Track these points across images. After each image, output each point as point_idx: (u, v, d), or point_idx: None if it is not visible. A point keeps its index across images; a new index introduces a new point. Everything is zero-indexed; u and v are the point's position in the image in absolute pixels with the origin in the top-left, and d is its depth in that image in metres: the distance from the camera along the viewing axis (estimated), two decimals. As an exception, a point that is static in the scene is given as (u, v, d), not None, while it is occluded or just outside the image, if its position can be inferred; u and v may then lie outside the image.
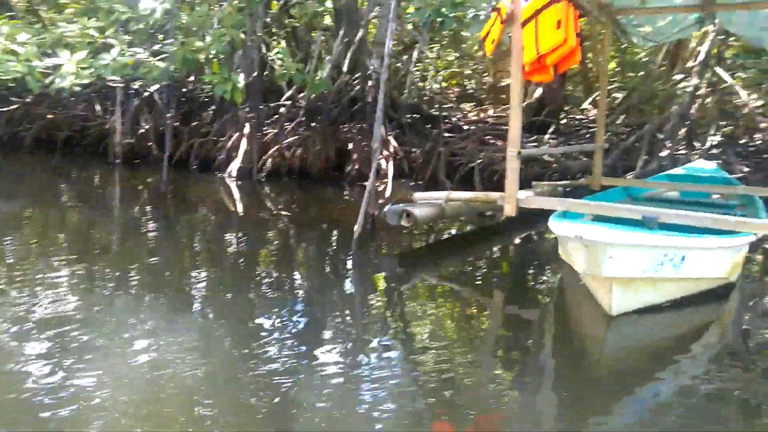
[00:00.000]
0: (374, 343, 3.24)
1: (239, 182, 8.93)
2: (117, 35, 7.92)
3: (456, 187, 9.43)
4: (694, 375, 2.93)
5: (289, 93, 10.43)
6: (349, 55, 9.84)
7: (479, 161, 10.10)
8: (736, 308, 4.03)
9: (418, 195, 5.64)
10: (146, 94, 9.83)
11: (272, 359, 2.98)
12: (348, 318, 3.76)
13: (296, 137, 9.41)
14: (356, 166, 9.61)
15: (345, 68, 9.78)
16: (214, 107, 10.30)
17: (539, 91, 12.94)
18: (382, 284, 4.56)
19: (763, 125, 11.00)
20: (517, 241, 6.34)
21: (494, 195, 5.27)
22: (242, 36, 7.69)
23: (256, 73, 9.09)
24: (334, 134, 9.70)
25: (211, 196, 8.29)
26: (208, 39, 7.46)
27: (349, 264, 5.07)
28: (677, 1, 7.10)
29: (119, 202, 7.85)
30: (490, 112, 14.68)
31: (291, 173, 9.50)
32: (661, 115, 10.69)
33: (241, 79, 7.11)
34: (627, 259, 3.35)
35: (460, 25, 6.57)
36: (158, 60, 7.48)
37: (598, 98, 8.71)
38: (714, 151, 10.05)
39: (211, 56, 7.29)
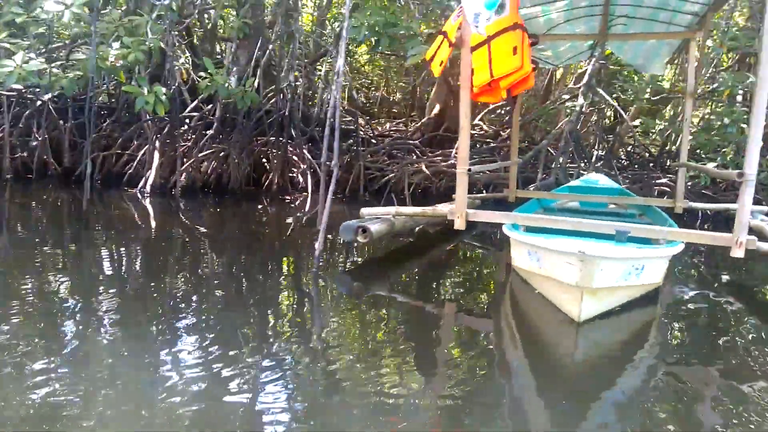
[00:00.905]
0: (343, 361, 3.24)
1: (153, 198, 8.47)
2: (10, 40, 7.24)
3: (371, 200, 9.67)
4: (651, 372, 3.29)
5: (193, 104, 10.05)
6: (259, 68, 9.70)
7: (393, 175, 10.41)
8: (665, 308, 4.58)
9: (365, 210, 5.73)
10: (38, 102, 8.99)
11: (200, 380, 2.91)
12: (307, 334, 3.73)
13: (211, 151, 9.11)
14: (275, 180, 9.50)
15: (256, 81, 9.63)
16: (113, 118, 9.67)
17: (437, 108, 13.55)
18: (341, 302, 4.57)
19: (633, 141, 12.41)
20: (451, 248, 6.63)
21: (443, 209, 5.50)
22: (161, 45, 7.33)
23: (175, 85, 8.68)
24: (248, 147, 9.51)
25: (127, 213, 7.77)
26: (116, 46, 7.03)
27: (306, 281, 5.04)
28: (578, 30, 7.86)
29: (23, 221, 7.10)
30: (387, 126, 15.13)
31: (205, 188, 9.18)
32: (550, 132, 11.66)
33: (163, 91, 6.78)
34: (611, 271, 3.74)
35: (395, 45, 6.78)
36: (68, 67, 6.93)
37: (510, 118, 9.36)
38: (598, 164, 11.17)
39: (127, 65, 6.88)
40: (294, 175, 10.08)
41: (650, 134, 13.65)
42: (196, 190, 8.95)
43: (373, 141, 12.13)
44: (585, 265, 3.61)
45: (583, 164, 11.05)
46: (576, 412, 2.74)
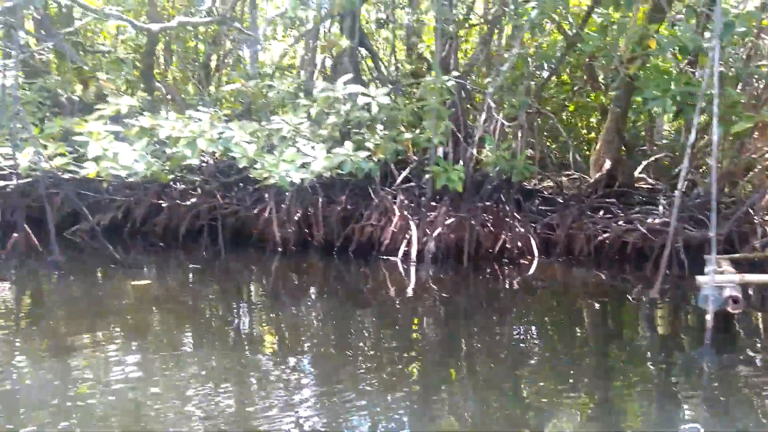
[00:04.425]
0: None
1: (407, 265, 9.05)
2: (313, 129, 8.08)
3: (585, 261, 9.94)
4: None
5: (404, 174, 10.71)
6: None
7: (607, 235, 10.66)
8: None
9: (703, 279, 5.98)
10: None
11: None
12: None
13: (453, 219, 9.66)
14: (507, 245, 9.93)
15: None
16: (348, 190, 10.43)
17: (608, 163, 13.80)
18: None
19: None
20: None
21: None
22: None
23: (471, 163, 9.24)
24: (480, 215, 10.02)
25: (401, 283, 8.37)
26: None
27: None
28: None
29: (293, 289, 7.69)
30: (562, 179, 15.36)
31: (446, 255, 9.68)
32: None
33: (462, 170, 7.39)
34: None
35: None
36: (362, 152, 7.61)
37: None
38: None
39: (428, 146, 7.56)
40: (507, 238, 10.45)
41: None
42: (437, 258, 9.45)
43: (560, 200, 12.45)
44: None
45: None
46: None
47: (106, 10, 8.56)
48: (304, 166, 6.70)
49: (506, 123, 8.13)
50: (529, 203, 11.43)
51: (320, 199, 10.05)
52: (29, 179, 7.53)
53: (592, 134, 16.51)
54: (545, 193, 12.97)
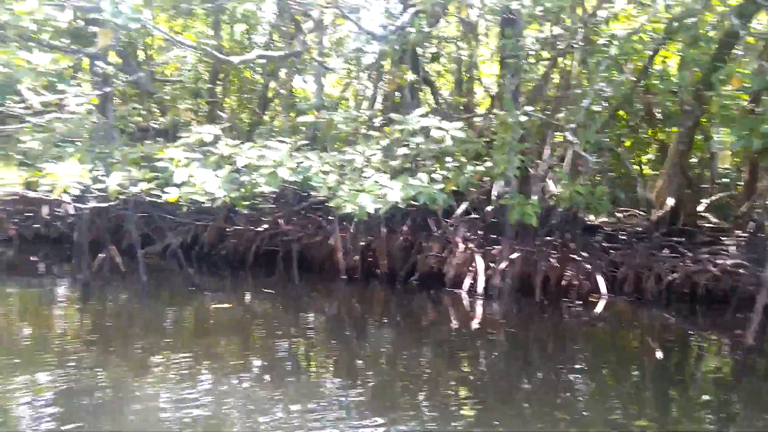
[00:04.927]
0: None
1: (473, 298, 8.98)
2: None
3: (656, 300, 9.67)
4: None
5: (463, 206, 10.70)
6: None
7: (675, 275, 10.39)
8: None
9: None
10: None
11: None
12: None
13: (519, 253, 9.58)
14: (575, 282, 9.77)
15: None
16: (409, 220, 10.49)
17: (671, 201, 13.53)
18: None
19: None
20: None
21: None
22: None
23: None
24: (546, 250, 9.91)
25: (465, 316, 8.33)
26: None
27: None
28: None
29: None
30: (619, 215, 15.12)
31: (512, 290, 9.57)
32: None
33: (537, 204, 7.35)
34: None
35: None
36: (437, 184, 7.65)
37: None
38: None
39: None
40: (574, 275, 10.26)
41: None
42: (510, 292, 9.34)
43: (622, 236, 12.23)
44: None
45: None
46: None
47: (186, 41, 8.93)
48: (380, 196, 6.76)
49: (590, 158, 8.06)
50: (591, 239, 11.29)
51: (383, 229, 10.14)
52: (106, 203, 7.79)
53: (645, 170, 16.30)
54: (606, 228, 12.79)
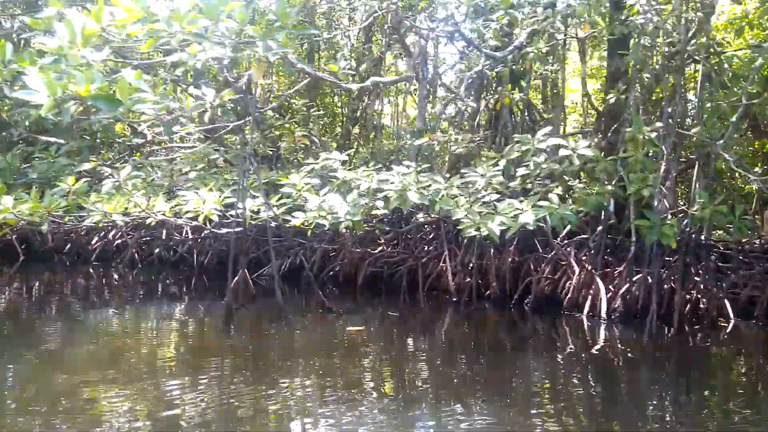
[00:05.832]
0: None
1: (602, 323, 8.66)
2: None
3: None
4: None
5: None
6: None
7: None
8: None
9: None
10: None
11: None
12: None
13: (641, 275, 9.16)
14: (700, 305, 9.24)
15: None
16: (516, 241, 10.28)
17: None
18: None
19: None
20: None
21: None
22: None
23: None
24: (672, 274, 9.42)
25: (585, 340, 8.05)
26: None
27: None
28: None
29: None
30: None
31: (634, 315, 9.13)
32: None
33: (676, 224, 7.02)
34: None
35: None
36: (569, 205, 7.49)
37: None
38: None
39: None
40: (699, 298, 9.67)
41: None
42: (633, 316, 8.92)
43: (739, 256, 11.48)
44: None
45: None
46: None
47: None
48: (513, 218, 6.67)
49: (751, 176, 7.62)
50: (708, 259, 10.66)
51: (491, 250, 10.00)
52: (240, 228, 8.08)
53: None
54: (720, 247, 12.08)
